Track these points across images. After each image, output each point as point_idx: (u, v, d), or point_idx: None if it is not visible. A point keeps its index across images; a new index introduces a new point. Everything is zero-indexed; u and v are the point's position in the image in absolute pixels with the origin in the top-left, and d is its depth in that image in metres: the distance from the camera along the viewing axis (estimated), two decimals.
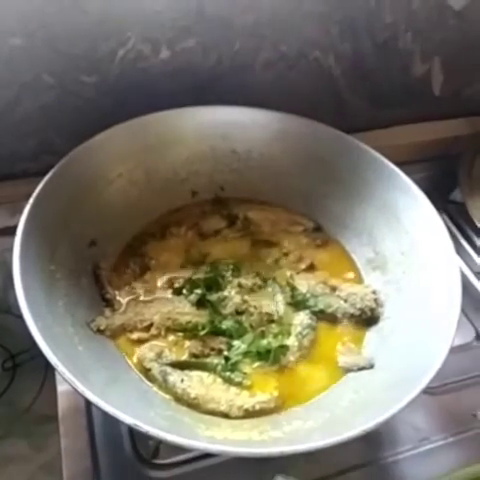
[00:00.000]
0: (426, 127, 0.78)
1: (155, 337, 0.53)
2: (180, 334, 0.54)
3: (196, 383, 0.49)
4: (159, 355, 0.51)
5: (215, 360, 0.51)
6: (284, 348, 0.52)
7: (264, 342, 0.53)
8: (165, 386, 0.49)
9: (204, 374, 0.50)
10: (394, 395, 0.41)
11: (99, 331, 0.51)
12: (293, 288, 0.58)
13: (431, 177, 0.78)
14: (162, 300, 0.56)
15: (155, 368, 0.50)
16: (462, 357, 0.61)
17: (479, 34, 0.71)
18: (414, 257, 0.55)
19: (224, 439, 0.41)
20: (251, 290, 0.57)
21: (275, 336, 0.53)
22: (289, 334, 0.53)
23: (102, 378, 0.44)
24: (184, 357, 0.52)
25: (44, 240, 0.49)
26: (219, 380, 0.50)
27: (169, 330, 0.54)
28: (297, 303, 0.56)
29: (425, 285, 0.53)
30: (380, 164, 0.58)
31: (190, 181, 0.65)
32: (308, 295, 0.57)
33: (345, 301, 0.56)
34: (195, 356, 0.52)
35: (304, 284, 0.58)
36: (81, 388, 0.37)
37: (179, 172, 0.64)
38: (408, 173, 0.58)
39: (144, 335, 0.53)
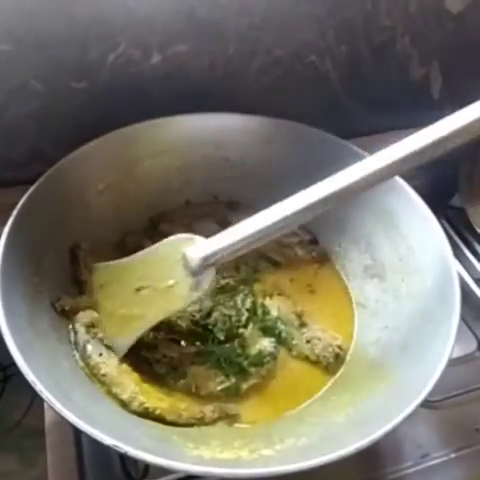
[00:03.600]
0: None
1: None
2: None
3: (113, 363, 0.47)
4: (93, 325, 0.50)
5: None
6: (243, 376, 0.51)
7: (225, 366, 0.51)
8: (82, 353, 0.47)
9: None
10: (391, 410, 0.40)
11: (63, 311, 0.50)
12: (264, 310, 0.56)
13: (431, 182, 0.76)
14: None
15: (81, 332, 0.48)
16: (464, 368, 0.59)
17: (477, 37, 0.70)
18: (412, 264, 0.53)
19: (212, 459, 0.39)
20: (221, 289, 0.57)
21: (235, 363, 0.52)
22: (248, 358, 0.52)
23: (86, 395, 0.42)
24: None
25: (28, 252, 0.48)
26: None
27: None
28: (265, 328, 0.55)
29: (423, 293, 0.51)
30: None
31: (182, 190, 0.64)
32: (277, 321, 0.55)
33: (307, 342, 0.54)
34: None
35: (275, 307, 0.56)
36: (58, 406, 0.36)
37: (171, 181, 0.63)
38: (407, 178, 0.56)
39: None
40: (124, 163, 0.59)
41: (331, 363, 0.53)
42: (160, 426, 0.44)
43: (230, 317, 0.55)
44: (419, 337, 0.48)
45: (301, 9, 0.60)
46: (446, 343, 0.43)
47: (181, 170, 0.62)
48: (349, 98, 0.71)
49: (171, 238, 0.49)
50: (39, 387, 0.37)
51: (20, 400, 0.68)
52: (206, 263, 0.46)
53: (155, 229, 0.62)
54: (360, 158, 0.58)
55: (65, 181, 0.54)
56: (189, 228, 0.61)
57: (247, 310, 0.56)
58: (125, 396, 0.45)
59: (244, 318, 0.55)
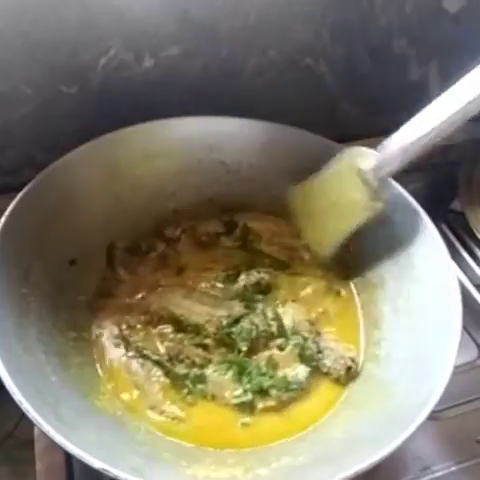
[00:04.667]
0: None
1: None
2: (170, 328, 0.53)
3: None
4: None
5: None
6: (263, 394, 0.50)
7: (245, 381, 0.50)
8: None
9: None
10: (392, 428, 0.38)
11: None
12: (278, 318, 0.55)
13: (430, 186, 0.76)
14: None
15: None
16: (464, 377, 0.58)
17: (475, 37, 0.68)
18: (410, 272, 0.52)
19: (205, 477, 0.38)
20: (257, 285, 0.57)
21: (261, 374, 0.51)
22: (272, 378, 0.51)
23: (75, 410, 0.41)
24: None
25: (17, 260, 0.47)
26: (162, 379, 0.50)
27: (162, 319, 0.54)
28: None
29: (423, 302, 0.50)
30: None
31: (177, 195, 0.62)
32: (290, 331, 0.54)
33: (318, 352, 0.53)
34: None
35: (290, 316, 0.55)
36: (46, 427, 0.34)
37: (165, 186, 0.62)
38: (406, 182, 0.55)
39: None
40: (116, 168, 0.58)
41: (342, 376, 0.51)
42: (152, 443, 0.43)
43: (257, 327, 0.53)
44: (419, 349, 0.47)
45: (296, 10, 0.59)
46: (448, 356, 0.42)
47: (175, 174, 0.61)
48: (345, 100, 0.70)
49: (344, 153, 0.54)
50: (25, 406, 0.36)
51: (11, 411, 0.67)
52: (380, 174, 0.50)
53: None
54: None
55: (55, 187, 0.52)
56: (194, 230, 0.63)
57: (272, 319, 0.54)
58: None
59: (275, 329, 0.54)
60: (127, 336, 0.53)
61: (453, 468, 0.52)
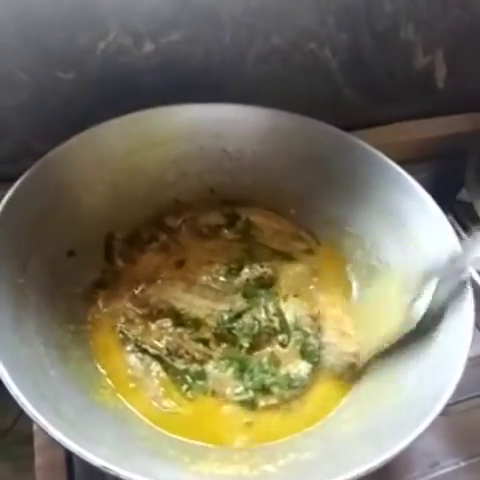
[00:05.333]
0: (430, 123, 0.74)
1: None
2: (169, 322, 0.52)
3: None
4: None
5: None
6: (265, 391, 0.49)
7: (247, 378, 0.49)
8: None
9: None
10: (402, 424, 0.37)
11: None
12: (280, 314, 0.54)
13: (436, 176, 0.75)
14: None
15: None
16: (474, 371, 0.56)
17: None
18: (421, 265, 0.50)
19: (210, 475, 0.37)
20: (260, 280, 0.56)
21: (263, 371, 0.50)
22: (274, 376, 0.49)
23: (74, 405, 0.40)
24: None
25: (13, 251, 0.45)
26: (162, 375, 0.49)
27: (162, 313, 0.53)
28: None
29: (433, 296, 0.48)
30: (382, 163, 0.55)
31: (178, 183, 0.61)
32: (292, 327, 0.53)
33: (321, 348, 0.52)
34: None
35: (292, 312, 0.54)
36: (44, 423, 0.33)
37: (166, 174, 0.60)
38: (412, 172, 0.54)
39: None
40: (115, 156, 0.56)
41: (345, 373, 0.50)
42: (155, 438, 0.41)
43: (259, 322, 0.52)
44: (431, 344, 0.45)
45: None
46: (461, 349, 0.41)
47: (176, 162, 0.60)
48: (350, 87, 0.69)
49: None
50: (22, 400, 0.35)
51: (12, 405, 0.66)
52: None
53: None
54: (361, 150, 0.56)
55: (52, 176, 0.51)
56: (195, 221, 0.61)
57: (274, 315, 0.53)
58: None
59: (277, 325, 0.53)
60: (125, 330, 0.52)
61: (462, 464, 0.51)
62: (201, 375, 0.49)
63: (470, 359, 0.57)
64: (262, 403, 0.48)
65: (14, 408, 0.63)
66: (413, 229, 0.52)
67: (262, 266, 0.58)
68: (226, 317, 0.52)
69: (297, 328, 0.53)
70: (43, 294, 0.47)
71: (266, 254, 0.60)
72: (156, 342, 0.51)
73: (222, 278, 0.57)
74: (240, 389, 0.48)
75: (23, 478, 0.64)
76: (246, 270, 0.57)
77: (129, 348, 0.51)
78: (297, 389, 0.49)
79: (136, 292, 0.55)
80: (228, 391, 0.48)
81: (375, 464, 0.34)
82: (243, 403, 0.48)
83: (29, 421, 0.51)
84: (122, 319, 0.53)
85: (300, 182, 0.60)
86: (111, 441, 0.38)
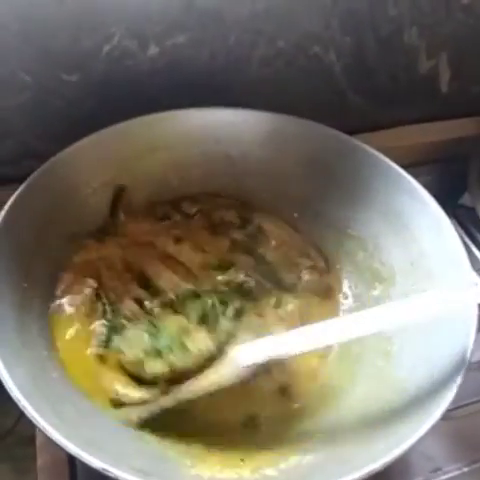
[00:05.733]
0: (433, 127, 0.74)
1: None
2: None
3: None
4: None
5: None
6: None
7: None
8: None
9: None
10: (403, 427, 0.37)
11: None
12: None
13: (439, 180, 0.75)
14: None
15: None
16: (477, 375, 0.56)
17: None
18: (424, 268, 0.51)
19: (211, 478, 0.37)
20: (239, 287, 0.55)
21: None
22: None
23: (76, 409, 0.40)
24: None
25: (17, 255, 0.45)
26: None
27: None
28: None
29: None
30: (385, 167, 0.55)
31: (181, 188, 0.61)
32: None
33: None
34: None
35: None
36: (43, 424, 0.33)
37: (169, 179, 0.60)
38: (415, 176, 0.54)
39: None
40: (120, 160, 0.56)
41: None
42: (156, 441, 0.41)
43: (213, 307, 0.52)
44: (432, 346, 0.45)
45: None
46: (463, 352, 0.41)
47: (179, 167, 0.60)
48: (354, 91, 0.69)
49: None
50: (23, 403, 0.35)
51: (13, 407, 0.66)
52: None
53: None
54: (363, 153, 0.56)
55: (57, 179, 0.51)
56: (210, 213, 0.61)
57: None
58: None
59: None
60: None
61: (465, 469, 0.50)
62: (117, 330, 0.49)
63: (472, 364, 0.57)
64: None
65: (15, 409, 0.63)
66: (416, 231, 0.52)
67: (247, 275, 0.56)
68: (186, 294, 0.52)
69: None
70: (47, 298, 0.47)
71: (262, 268, 0.58)
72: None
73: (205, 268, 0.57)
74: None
75: (24, 479, 0.64)
76: (231, 272, 0.57)
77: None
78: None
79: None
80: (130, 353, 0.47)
81: (376, 466, 0.34)
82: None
83: (30, 423, 0.51)
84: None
85: (303, 185, 0.60)
86: (112, 443, 0.38)
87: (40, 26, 0.52)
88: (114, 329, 0.49)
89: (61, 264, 0.52)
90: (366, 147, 0.56)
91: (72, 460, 0.49)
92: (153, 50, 0.57)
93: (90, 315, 0.50)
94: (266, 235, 0.61)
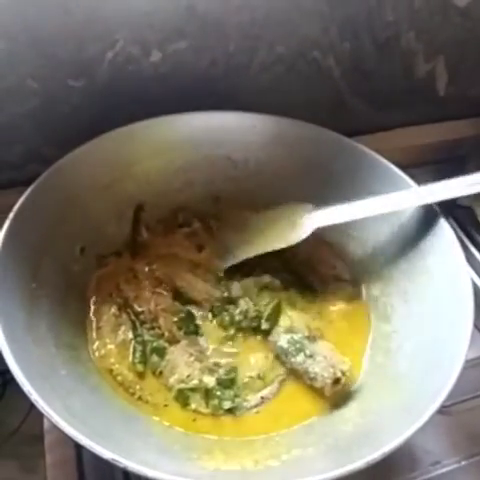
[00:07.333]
0: (431, 129, 0.75)
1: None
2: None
3: None
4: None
5: None
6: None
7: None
8: None
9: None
10: (403, 420, 0.38)
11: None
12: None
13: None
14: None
15: None
16: (475, 372, 0.57)
17: None
18: (421, 266, 0.52)
19: (215, 470, 0.38)
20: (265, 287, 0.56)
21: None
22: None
23: (84, 404, 0.41)
24: None
25: (26, 256, 0.46)
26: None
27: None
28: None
29: (433, 296, 0.49)
30: (384, 168, 0.56)
31: (183, 191, 0.62)
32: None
33: (310, 356, 0.49)
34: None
35: (287, 317, 0.53)
36: (55, 418, 0.34)
37: (171, 182, 0.61)
38: (413, 177, 0.55)
39: None
40: (123, 163, 0.58)
41: (327, 385, 0.47)
42: (162, 434, 0.42)
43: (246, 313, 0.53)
44: (430, 342, 0.46)
45: (303, 5, 0.59)
46: (460, 347, 0.42)
47: (182, 170, 0.61)
48: (353, 95, 0.70)
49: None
50: (35, 397, 0.36)
51: (19, 405, 0.67)
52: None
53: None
54: (362, 155, 0.57)
55: (63, 182, 0.52)
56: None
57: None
58: None
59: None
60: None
61: (464, 463, 0.51)
62: (160, 352, 0.50)
63: (471, 360, 0.58)
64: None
65: (21, 409, 0.64)
66: (414, 231, 0.53)
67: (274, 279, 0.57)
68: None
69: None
70: (55, 297, 0.48)
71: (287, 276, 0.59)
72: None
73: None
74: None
75: (30, 478, 0.65)
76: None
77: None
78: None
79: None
80: (173, 379, 0.48)
81: (375, 457, 0.35)
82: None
83: (36, 421, 0.52)
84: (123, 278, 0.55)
85: (304, 188, 0.61)
86: (120, 436, 0.39)
87: (47, 35, 0.53)
88: (156, 350, 0.50)
89: (81, 277, 0.54)
90: (365, 149, 0.57)
91: (80, 457, 0.50)
92: (156, 56, 0.58)
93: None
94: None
